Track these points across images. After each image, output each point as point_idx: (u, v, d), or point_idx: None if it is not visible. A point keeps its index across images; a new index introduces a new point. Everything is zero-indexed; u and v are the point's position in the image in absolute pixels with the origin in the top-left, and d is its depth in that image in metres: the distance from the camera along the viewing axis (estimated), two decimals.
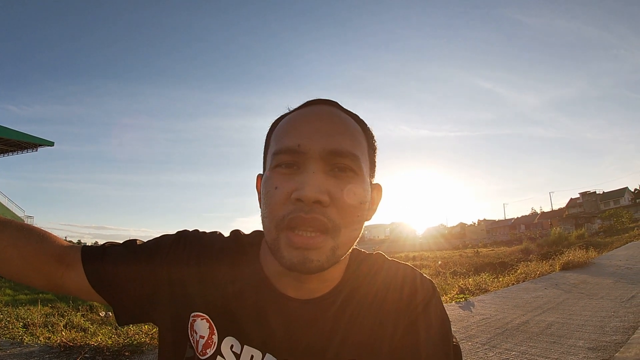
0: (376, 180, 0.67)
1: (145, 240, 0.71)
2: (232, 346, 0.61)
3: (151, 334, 4.72)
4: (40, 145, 30.49)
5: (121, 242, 0.72)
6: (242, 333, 0.62)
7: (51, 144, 30.86)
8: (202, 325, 0.63)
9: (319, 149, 0.55)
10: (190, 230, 0.71)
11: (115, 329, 5.22)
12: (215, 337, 0.62)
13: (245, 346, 0.61)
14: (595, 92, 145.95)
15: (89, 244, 0.75)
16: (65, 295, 10.85)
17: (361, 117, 0.65)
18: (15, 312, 6.39)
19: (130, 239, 0.71)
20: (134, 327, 5.03)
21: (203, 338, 0.62)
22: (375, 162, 0.65)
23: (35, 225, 0.70)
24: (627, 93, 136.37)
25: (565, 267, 10.50)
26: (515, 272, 10.57)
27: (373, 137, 0.65)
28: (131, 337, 4.67)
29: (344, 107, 0.64)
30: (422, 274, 0.67)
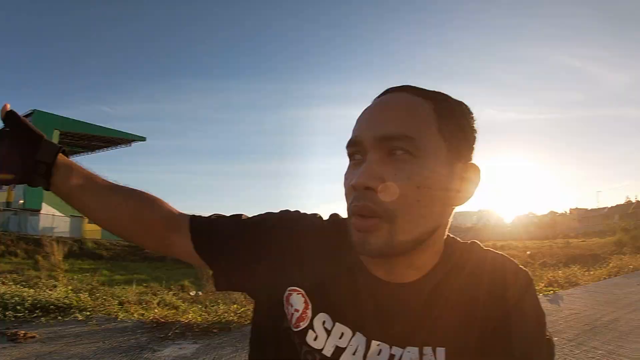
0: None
1: (250, 216, 0.76)
2: (324, 322, 0.63)
3: (239, 313, 5.00)
4: (133, 141, 33.45)
5: (228, 215, 0.77)
6: (335, 311, 0.63)
7: (143, 139, 33.60)
8: (297, 300, 0.65)
9: (371, 137, 0.56)
10: (292, 210, 0.75)
11: (205, 308, 5.51)
12: (309, 312, 0.64)
13: (337, 323, 0.63)
14: None
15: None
16: (159, 276, 11.57)
17: (442, 94, 0.62)
18: (111, 291, 6.63)
19: (237, 213, 0.76)
20: (223, 306, 5.41)
21: (297, 311, 0.64)
22: (460, 141, 0.60)
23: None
24: None
25: None
26: (608, 265, 9.78)
27: (454, 114, 0.60)
28: (220, 315, 4.94)
29: (424, 88, 0.61)
30: (518, 265, 0.65)
